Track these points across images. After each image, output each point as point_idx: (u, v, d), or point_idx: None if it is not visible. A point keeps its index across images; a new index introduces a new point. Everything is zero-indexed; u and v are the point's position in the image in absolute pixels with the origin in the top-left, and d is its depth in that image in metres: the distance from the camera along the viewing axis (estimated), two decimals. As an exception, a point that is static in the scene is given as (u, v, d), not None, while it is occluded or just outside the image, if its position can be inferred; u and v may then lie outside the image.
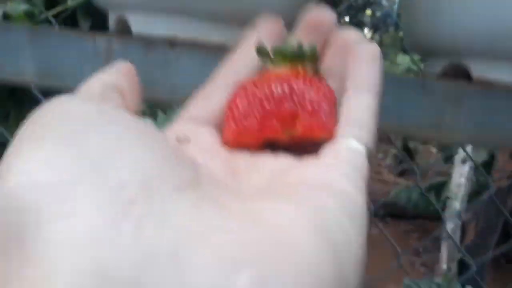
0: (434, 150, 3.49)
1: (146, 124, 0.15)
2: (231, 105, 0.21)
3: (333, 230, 0.14)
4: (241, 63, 0.22)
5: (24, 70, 0.37)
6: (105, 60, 0.36)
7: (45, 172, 0.12)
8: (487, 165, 2.25)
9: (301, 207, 0.14)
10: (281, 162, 0.19)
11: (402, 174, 3.49)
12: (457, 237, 1.98)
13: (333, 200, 0.15)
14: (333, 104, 0.20)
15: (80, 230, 0.11)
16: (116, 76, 0.19)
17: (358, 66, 0.20)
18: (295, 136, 0.20)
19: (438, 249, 2.34)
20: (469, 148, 1.96)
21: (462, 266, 1.91)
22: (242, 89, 0.21)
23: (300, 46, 0.20)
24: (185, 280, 0.10)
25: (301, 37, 0.22)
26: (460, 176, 1.91)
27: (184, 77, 0.36)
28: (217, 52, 0.36)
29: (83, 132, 0.13)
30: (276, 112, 0.20)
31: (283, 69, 0.20)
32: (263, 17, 0.23)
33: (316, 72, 0.21)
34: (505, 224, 2.16)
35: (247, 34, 0.23)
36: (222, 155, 0.20)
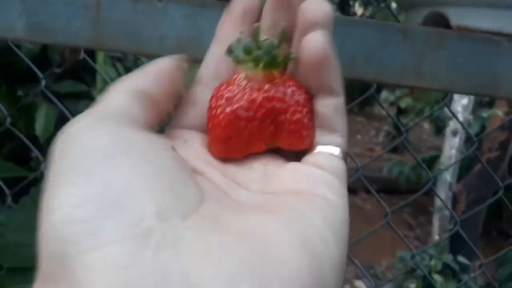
0: (426, 125, 3.52)
1: (160, 145, 0.17)
2: (212, 122, 0.21)
3: (316, 244, 0.16)
4: (220, 60, 0.23)
5: (13, 26, 0.37)
6: (95, 13, 0.37)
7: (79, 210, 0.14)
8: (478, 136, 2.27)
9: (288, 223, 0.17)
10: (270, 166, 0.21)
11: (394, 150, 3.52)
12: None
13: (317, 214, 0.18)
14: (310, 111, 0.21)
15: (110, 258, 0.13)
16: (146, 82, 0.20)
17: (316, 68, 0.20)
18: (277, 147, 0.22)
19: (430, 223, 2.38)
20: (460, 120, 1.98)
21: (454, 237, 1.95)
22: (219, 101, 0.21)
23: (273, 53, 0.20)
24: None
25: (271, 12, 0.21)
26: (451, 148, 1.93)
27: (172, 28, 0.36)
28: (204, 3, 0.37)
29: (104, 168, 0.15)
30: (260, 135, 0.21)
31: (258, 73, 0.20)
32: None
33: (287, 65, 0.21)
34: (495, 193, 2.19)
35: (224, 20, 0.23)
36: (216, 162, 0.21)
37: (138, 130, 0.18)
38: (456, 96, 1.98)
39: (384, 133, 3.77)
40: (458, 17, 0.37)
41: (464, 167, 2.15)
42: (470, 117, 1.96)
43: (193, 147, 0.21)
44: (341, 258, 0.17)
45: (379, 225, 0.66)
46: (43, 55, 0.84)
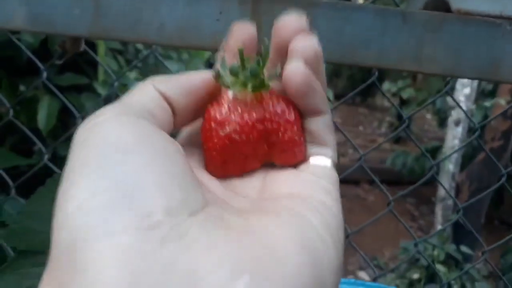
0: (429, 116, 3.51)
1: (172, 148, 0.18)
2: (207, 145, 0.22)
3: (315, 244, 0.17)
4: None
5: (13, 16, 0.37)
6: (94, 2, 0.37)
7: (91, 200, 0.15)
8: (481, 127, 2.27)
9: (288, 223, 0.17)
10: (269, 174, 0.22)
11: (397, 141, 3.52)
12: (451, 198, 2.01)
13: (315, 216, 0.18)
14: (300, 128, 0.22)
15: (118, 247, 0.14)
16: (173, 90, 0.21)
17: (302, 96, 0.21)
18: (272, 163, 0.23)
19: (433, 213, 2.38)
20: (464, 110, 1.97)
21: (457, 227, 1.95)
22: (212, 123, 0.21)
23: (259, 75, 0.21)
24: (196, 284, 0.14)
25: (275, 57, 0.22)
26: (454, 138, 1.93)
27: (171, 16, 0.36)
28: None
29: (120, 163, 0.16)
30: (254, 156, 0.22)
31: (247, 95, 0.21)
32: (237, 25, 0.23)
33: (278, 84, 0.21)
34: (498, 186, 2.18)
35: (222, 55, 0.23)
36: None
37: (156, 128, 0.19)
38: (458, 86, 1.97)
39: (387, 124, 3.77)
40: (458, 1, 0.37)
41: (467, 157, 2.15)
42: (473, 106, 1.96)
43: (193, 158, 0.22)
44: (339, 259, 0.18)
45: (382, 213, 0.66)
46: (44, 48, 0.84)
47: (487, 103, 1.89)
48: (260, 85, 0.21)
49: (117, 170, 0.16)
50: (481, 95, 2.28)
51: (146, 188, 0.16)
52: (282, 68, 0.21)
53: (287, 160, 0.22)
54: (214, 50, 0.35)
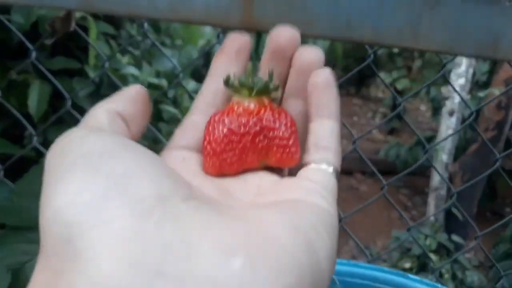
0: (423, 107, 3.52)
1: (150, 152, 0.18)
2: (208, 139, 0.23)
3: (308, 230, 0.17)
4: (216, 92, 0.25)
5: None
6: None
7: (83, 194, 0.15)
8: (474, 118, 2.28)
9: (282, 213, 0.18)
10: (265, 181, 0.23)
11: (391, 132, 3.53)
12: (444, 188, 2.02)
13: (310, 210, 0.19)
14: (296, 132, 0.23)
15: (113, 232, 0.14)
16: (120, 104, 0.21)
17: (318, 96, 0.23)
18: (268, 165, 0.24)
19: (426, 204, 2.39)
20: (456, 101, 1.98)
21: (449, 217, 1.96)
22: (216, 123, 0.23)
23: (265, 82, 0.23)
24: (193, 263, 0.14)
25: (268, 62, 0.24)
26: (447, 128, 1.93)
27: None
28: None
29: (105, 161, 0.16)
30: (251, 150, 0.23)
31: (250, 101, 0.23)
32: (232, 36, 0.25)
33: (278, 99, 0.25)
34: (490, 177, 2.20)
35: (217, 57, 0.25)
36: (212, 178, 0.23)
37: (127, 138, 0.19)
38: (453, 76, 1.97)
39: (381, 115, 3.77)
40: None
41: (460, 147, 2.16)
42: (468, 97, 1.96)
43: (190, 163, 0.23)
44: (333, 250, 0.18)
45: (375, 197, 0.66)
46: (34, 30, 0.82)
47: (481, 94, 1.89)
48: (263, 91, 0.23)
49: (104, 167, 0.16)
50: (476, 86, 2.29)
51: (135, 178, 0.16)
52: (280, 78, 0.24)
53: (283, 161, 0.23)
54: (205, 24, 0.34)
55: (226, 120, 0.23)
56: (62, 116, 0.60)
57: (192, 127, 0.24)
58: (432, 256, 1.69)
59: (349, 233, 0.72)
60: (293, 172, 0.23)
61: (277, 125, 0.23)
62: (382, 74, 3.52)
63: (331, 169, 0.22)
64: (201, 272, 0.14)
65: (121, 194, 0.15)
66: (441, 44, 0.36)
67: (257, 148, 0.23)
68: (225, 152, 0.23)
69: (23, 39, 0.57)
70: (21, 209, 0.37)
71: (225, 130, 0.23)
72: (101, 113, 0.21)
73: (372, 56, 0.57)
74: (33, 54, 0.57)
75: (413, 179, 2.88)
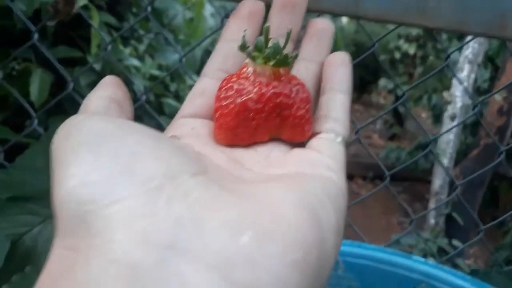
0: (424, 114, 3.52)
1: (152, 130, 0.18)
2: (220, 111, 0.22)
3: (315, 205, 0.18)
4: (227, 53, 0.25)
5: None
6: None
7: (93, 174, 0.16)
8: (475, 124, 2.27)
9: (290, 188, 0.18)
10: (275, 151, 0.23)
11: (392, 138, 3.52)
12: (444, 193, 2.01)
13: (317, 184, 0.19)
14: (310, 109, 0.23)
15: (126, 210, 0.15)
16: (110, 90, 0.22)
17: (333, 70, 0.24)
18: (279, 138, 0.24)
19: (426, 210, 2.38)
20: (458, 105, 1.97)
21: (449, 222, 1.95)
22: (229, 92, 0.22)
23: (283, 53, 0.22)
24: (203, 239, 0.14)
25: (277, 18, 0.25)
26: (448, 133, 1.93)
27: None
28: None
29: (110, 142, 0.17)
30: (265, 127, 0.23)
31: (266, 69, 0.22)
32: (245, 1, 0.25)
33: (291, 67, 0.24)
34: (491, 184, 2.19)
35: (231, 20, 0.25)
36: (221, 147, 0.23)
37: (128, 120, 0.20)
38: (455, 81, 1.97)
39: (382, 121, 3.77)
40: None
41: (461, 152, 2.15)
42: (469, 101, 1.96)
43: (200, 132, 0.23)
44: (339, 223, 0.19)
45: (379, 187, 0.65)
46: (37, 17, 0.82)
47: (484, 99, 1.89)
48: (281, 62, 0.22)
49: (112, 148, 0.16)
50: (477, 92, 2.28)
51: (143, 159, 0.16)
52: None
53: (295, 137, 0.23)
54: None
55: (241, 91, 0.22)
56: (64, 106, 0.60)
57: (201, 93, 0.24)
58: (432, 261, 1.68)
59: (350, 223, 0.71)
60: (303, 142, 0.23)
61: (292, 101, 0.22)
62: (383, 80, 3.53)
63: (340, 139, 0.23)
64: (211, 248, 0.14)
65: (129, 174, 0.16)
66: (448, 22, 0.35)
67: (270, 126, 0.23)
68: (238, 127, 0.22)
69: (25, 20, 0.57)
70: (23, 183, 0.37)
71: (239, 104, 0.22)
72: (96, 99, 0.21)
73: (376, 45, 0.57)
74: (35, 36, 0.57)
75: (414, 185, 2.87)
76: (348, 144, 0.23)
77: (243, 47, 0.22)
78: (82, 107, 0.21)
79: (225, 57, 0.25)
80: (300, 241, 0.16)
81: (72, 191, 0.16)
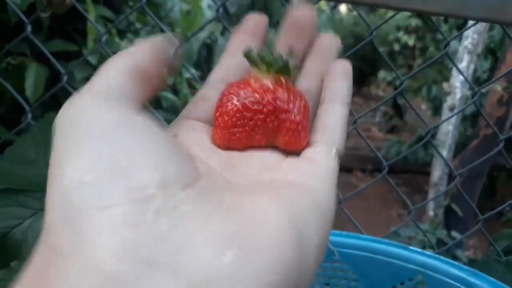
0: (423, 106, 3.51)
1: (157, 127, 0.18)
2: (220, 110, 0.23)
3: (301, 221, 0.18)
4: (231, 65, 0.25)
5: None
6: None
7: (88, 176, 0.15)
8: (475, 115, 2.27)
9: (278, 202, 0.18)
10: (269, 158, 0.23)
11: (391, 131, 3.52)
12: (444, 184, 2.01)
13: (307, 197, 0.19)
14: (308, 117, 0.23)
15: (114, 218, 0.15)
16: (141, 58, 0.20)
17: (333, 81, 0.24)
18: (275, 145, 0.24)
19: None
20: (457, 96, 1.97)
21: (448, 213, 1.95)
22: (230, 94, 0.23)
23: (285, 61, 0.23)
24: (186, 256, 0.14)
25: (285, 38, 0.25)
26: (448, 124, 1.92)
27: None
28: None
29: (110, 141, 0.16)
30: (262, 129, 0.23)
31: (268, 77, 0.23)
32: (250, 15, 0.25)
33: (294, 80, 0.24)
34: (490, 175, 2.19)
35: (235, 33, 0.25)
36: (218, 150, 0.23)
37: (135, 110, 0.19)
38: (454, 72, 1.97)
39: (381, 113, 3.77)
40: None
41: (460, 144, 2.15)
42: (468, 92, 1.95)
43: (199, 135, 0.23)
44: (323, 240, 0.19)
45: (377, 177, 0.65)
46: (32, 12, 0.81)
47: (483, 90, 1.88)
48: (282, 70, 0.23)
49: (108, 147, 0.16)
50: (476, 83, 2.28)
51: (139, 163, 0.16)
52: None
53: (291, 144, 0.23)
54: None
55: (241, 93, 0.22)
56: (60, 100, 0.59)
57: (204, 100, 0.24)
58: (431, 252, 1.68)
59: (349, 216, 0.71)
60: (298, 151, 0.23)
61: (291, 107, 0.23)
62: (382, 72, 3.52)
63: (334, 151, 0.23)
64: (193, 265, 0.14)
65: (123, 180, 0.16)
66: (448, 7, 0.35)
67: (267, 128, 0.23)
68: (236, 127, 0.22)
69: (18, 12, 0.56)
70: (13, 175, 0.37)
71: (238, 104, 0.22)
72: (114, 73, 0.19)
73: (374, 33, 0.56)
74: (28, 28, 0.56)
75: (413, 177, 2.87)
76: (341, 155, 0.23)
77: (248, 54, 0.23)
78: (97, 77, 0.19)
79: (229, 69, 0.25)
80: (282, 263, 0.16)
81: (65, 190, 0.16)
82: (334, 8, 2.98)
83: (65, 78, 0.59)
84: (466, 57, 1.88)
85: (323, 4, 2.63)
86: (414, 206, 0.71)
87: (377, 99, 4.24)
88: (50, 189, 0.16)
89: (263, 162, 0.23)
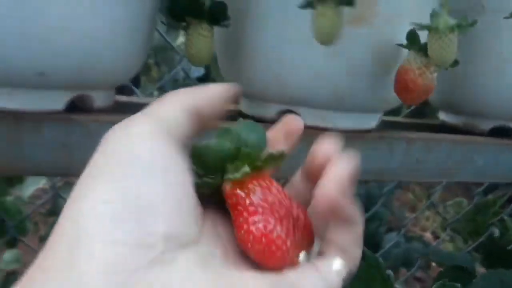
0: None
1: (187, 176, 0.19)
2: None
3: None
4: None
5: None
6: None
7: (101, 207, 0.17)
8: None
9: (265, 281, 0.19)
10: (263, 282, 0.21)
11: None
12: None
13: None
14: (294, 234, 0.21)
15: (112, 256, 0.16)
16: (201, 101, 0.22)
17: (333, 214, 0.21)
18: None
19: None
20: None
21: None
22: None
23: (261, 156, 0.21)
24: None
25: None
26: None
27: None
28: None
29: (138, 179, 0.18)
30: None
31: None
32: (288, 117, 0.25)
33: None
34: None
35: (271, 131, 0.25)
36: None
37: (181, 146, 0.20)
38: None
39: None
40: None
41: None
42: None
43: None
44: None
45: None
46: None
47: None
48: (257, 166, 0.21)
49: (134, 184, 0.17)
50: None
51: (154, 210, 0.17)
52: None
53: (264, 258, 0.20)
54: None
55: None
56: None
57: None
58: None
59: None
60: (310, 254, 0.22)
61: (300, 210, 0.22)
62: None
63: (344, 272, 0.22)
64: None
65: (135, 221, 0.17)
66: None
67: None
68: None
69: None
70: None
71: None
72: (175, 104, 0.21)
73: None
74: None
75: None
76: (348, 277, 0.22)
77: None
78: (156, 106, 0.21)
79: None
80: None
81: (79, 211, 0.17)
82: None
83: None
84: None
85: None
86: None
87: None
88: (69, 204, 0.17)
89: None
